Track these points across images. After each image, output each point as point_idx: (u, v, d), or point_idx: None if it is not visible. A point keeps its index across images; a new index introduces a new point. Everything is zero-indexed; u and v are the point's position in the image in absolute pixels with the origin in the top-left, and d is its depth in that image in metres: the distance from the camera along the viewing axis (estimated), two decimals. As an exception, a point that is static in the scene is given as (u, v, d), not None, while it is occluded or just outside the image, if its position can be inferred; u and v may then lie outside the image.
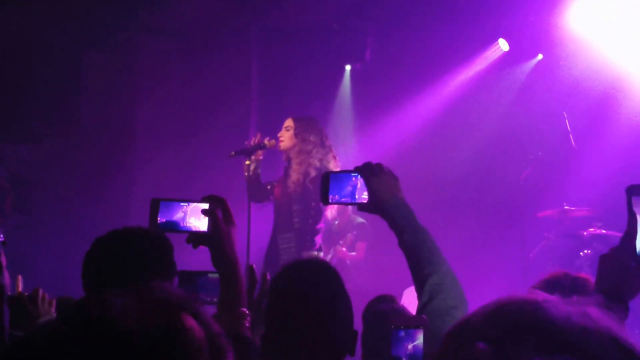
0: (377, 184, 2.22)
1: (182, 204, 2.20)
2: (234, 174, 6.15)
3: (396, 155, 7.23)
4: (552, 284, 2.49)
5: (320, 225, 5.63)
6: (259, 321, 2.28)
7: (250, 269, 2.49)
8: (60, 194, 7.84)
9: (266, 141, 5.57)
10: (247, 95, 8.29)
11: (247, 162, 5.57)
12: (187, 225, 2.20)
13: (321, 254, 5.63)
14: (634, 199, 1.78)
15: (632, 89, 7.47)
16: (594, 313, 0.90)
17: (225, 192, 2.36)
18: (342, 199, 2.30)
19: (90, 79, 7.96)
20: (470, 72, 8.14)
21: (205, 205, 2.19)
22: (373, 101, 8.36)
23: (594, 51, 7.47)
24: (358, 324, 2.20)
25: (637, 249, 1.79)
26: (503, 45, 7.97)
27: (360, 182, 2.24)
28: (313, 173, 5.54)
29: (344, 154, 6.96)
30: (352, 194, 2.26)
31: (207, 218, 2.18)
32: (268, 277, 2.46)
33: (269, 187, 5.72)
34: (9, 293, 2.46)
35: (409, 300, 5.29)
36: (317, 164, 5.57)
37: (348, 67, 8.53)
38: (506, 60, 8.08)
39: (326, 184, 2.26)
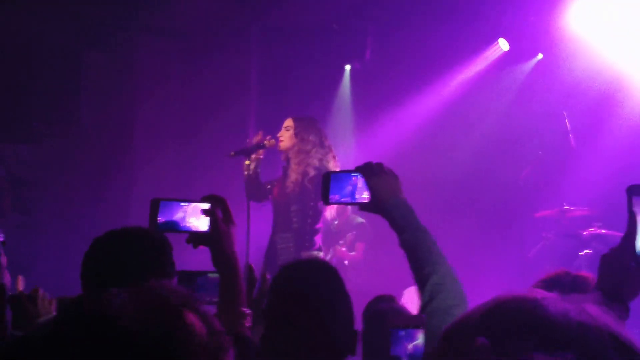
0: (377, 184, 2.22)
1: (182, 204, 2.20)
2: (234, 174, 6.14)
3: (396, 155, 7.21)
4: (553, 283, 2.49)
5: (319, 225, 5.62)
6: (258, 321, 2.28)
7: (249, 269, 2.49)
8: (60, 194, 7.83)
9: (266, 141, 5.57)
10: (247, 95, 8.29)
11: (247, 162, 5.57)
12: (187, 225, 2.20)
13: (321, 254, 5.62)
14: (634, 199, 1.78)
15: (632, 89, 7.47)
16: (592, 310, 0.91)
17: (225, 192, 2.36)
18: (343, 199, 2.30)
19: (90, 79, 7.96)
20: (470, 71, 8.14)
21: (205, 205, 2.19)
22: (373, 101, 8.36)
23: (594, 51, 7.47)
24: (358, 324, 2.19)
25: (637, 249, 1.79)
26: (503, 45, 7.96)
27: (360, 181, 2.24)
28: (312, 173, 5.52)
29: (343, 154, 6.96)
30: (353, 194, 2.25)
31: (207, 218, 2.18)
32: (268, 276, 2.46)
33: (268, 186, 5.71)
34: (10, 293, 2.45)
35: (409, 300, 5.29)
36: (316, 163, 5.56)
37: (348, 67, 8.53)
38: (506, 60, 8.08)
39: (327, 183, 2.26)
